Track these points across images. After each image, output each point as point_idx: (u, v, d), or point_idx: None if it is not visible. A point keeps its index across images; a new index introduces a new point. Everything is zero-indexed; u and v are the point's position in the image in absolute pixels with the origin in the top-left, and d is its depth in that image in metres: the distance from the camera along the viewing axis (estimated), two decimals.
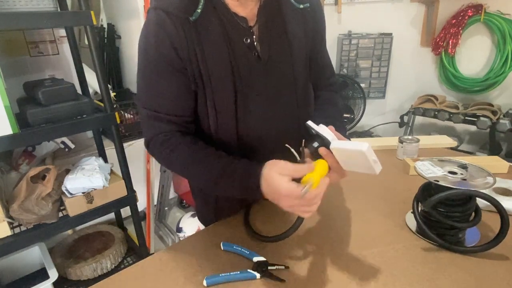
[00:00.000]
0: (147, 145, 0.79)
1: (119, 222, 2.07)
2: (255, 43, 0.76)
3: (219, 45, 0.72)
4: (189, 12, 0.69)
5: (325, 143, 0.66)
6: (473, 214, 0.77)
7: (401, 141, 1.19)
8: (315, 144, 0.67)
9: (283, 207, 0.64)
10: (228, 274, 0.68)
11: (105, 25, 2.49)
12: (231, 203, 0.91)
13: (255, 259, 0.72)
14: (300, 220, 0.72)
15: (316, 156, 0.67)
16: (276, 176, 0.62)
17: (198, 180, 0.77)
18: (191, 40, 0.70)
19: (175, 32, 0.69)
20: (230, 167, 0.69)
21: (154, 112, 0.75)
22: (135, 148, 2.19)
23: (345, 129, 0.91)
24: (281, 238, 0.76)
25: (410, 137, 1.20)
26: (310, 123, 0.69)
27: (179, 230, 2.10)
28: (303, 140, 0.69)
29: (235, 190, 0.69)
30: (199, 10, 0.70)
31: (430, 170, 0.79)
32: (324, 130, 0.67)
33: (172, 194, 2.57)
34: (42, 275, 1.46)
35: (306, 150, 0.69)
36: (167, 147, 0.75)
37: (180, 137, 0.76)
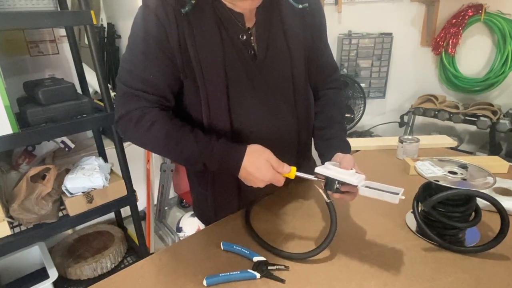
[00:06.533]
0: (118, 120, 0.77)
1: (119, 222, 2.07)
2: (252, 42, 0.77)
3: (212, 39, 0.73)
4: (181, 4, 0.70)
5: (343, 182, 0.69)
6: (473, 214, 0.77)
7: (401, 141, 1.19)
8: (337, 185, 0.70)
9: (261, 177, 0.70)
10: (228, 274, 0.68)
11: (105, 25, 2.49)
12: (230, 200, 0.91)
13: (255, 259, 0.72)
14: (327, 242, 0.71)
15: (339, 192, 0.71)
16: (268, 152, 0.72)
17: (174, 159, 0.78)
18: (182, 30, 0.71)
19: (166, 19, 0.70)
20: (208, 149, 0.72)
21: (133, 90, 0.74)
22: (135, 148, 2.16)
23: (345, 131, 0.91)
24: (304, 257, 0.73)
25: (410, 137, 1.20)
26: (318, 170, 0.72)
27: (179, 230, 2.10)
28: (322, 185, 0.72)
29: (213, 165, 0.73)
30: (193, 1, 0.71)
31: (430, 170, 0.79)
32: (337, 171, 0.70)
33: (172, 194, 2.57)
34: (42, 274, 1.46)
35: (329, 192, 0.71)
36: (142, 125, 0.73)
37: (155, 115, 0.75)
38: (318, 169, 0.71)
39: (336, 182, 0.70)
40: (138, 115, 0.74)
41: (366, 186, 0.68)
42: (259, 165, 0.70)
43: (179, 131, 0.74)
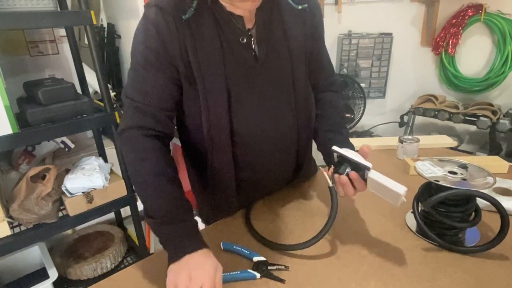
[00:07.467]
0: (120, 132, 0.76)
1: (119, 222, 2.07)
2: (253, 44, 0.77)
3: (212, 43, 0.72)
4: (182, 10, 0.70)
5: (355, 167, 0.69)
6: (473, 214, 0.77)
7: (401, 141, 1.19)
8: (348, 169, 0.70)
9: (177, 282, 0.61)
10: (228, 274, 0.68)
11: (105, 25, 2.49)
12: (230, 201, 0.90)
13: (255, 259, 0.72)
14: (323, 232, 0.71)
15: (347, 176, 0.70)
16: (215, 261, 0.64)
17: (143, 203, 0.72)
18: (183, 37, 0.70)
19: (167, 29, 0.69)
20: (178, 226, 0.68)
21: (136, 102, 0.74)
22: None
23: (348, 133, 0.91)
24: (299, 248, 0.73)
25: (410, 137, 1.20)
26: (336, 148, 0.71)
27: None
28: (332, 167, 0.72)
29: (166, 237, 0.68)
30: (192, 9, 0.70)
31: (430, 170, 0.79)
32: (353, 154, 0.70)
33: None
34: (42, 275, 1.46)
35: (336, 176, 0.71)
36: (137, 153, 0.72)
37: (152, 149, 0.72)
38: (336, 148, 0.71)
39: (349, 165, 0.69)
40: (135, 139, 0.73)
41: (373, 177, 0.67)
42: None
43: (164, 185, 0.70)
